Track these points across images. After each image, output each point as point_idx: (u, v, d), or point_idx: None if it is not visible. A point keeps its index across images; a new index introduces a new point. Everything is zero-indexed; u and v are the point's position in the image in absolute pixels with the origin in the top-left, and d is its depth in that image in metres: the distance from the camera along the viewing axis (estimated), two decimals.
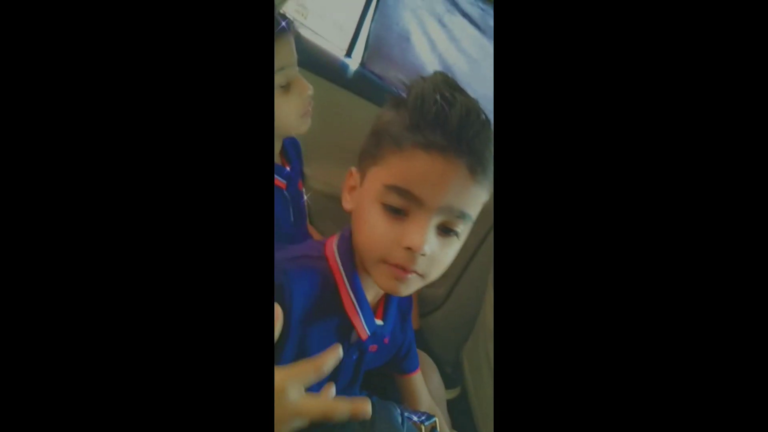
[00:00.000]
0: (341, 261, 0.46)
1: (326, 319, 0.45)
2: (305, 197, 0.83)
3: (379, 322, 0.49)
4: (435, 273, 0.42)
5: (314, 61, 0.98)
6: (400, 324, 0.56)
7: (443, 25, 1.09)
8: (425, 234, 0.38)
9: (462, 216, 0.39)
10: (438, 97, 0.37)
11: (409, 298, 0.56)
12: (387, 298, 0.51)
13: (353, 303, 0.46)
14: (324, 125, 0.79)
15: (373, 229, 0.40)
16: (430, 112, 0.37)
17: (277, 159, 0.72)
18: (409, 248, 0.38)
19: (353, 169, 0.46)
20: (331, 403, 0.35)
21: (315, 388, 0.35)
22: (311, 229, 0.89)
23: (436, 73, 0.41)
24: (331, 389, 0.37)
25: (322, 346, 0.37)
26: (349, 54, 1.14)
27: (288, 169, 0.74)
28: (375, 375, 0.56)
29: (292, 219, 0.74)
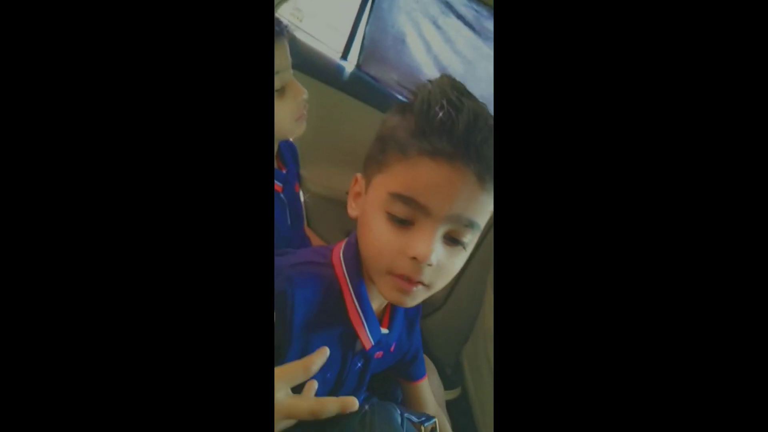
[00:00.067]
0: (347, 269, 0.45)
1: (330, 327, 0.45)
2: (302, 200, 0.83)
3: (384, 330, 0.48)
4: (441, 283, 0.41)
5: (310, 64, 0.99)
6: (406, 331, 0.56)
7: (438, 26, 1.10)
8: (431, 244, 0.37)
9: (470, 225, 0.38)
10: (445, 101, 0.36)
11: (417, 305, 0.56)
12: (393, 306, 0.50)
13: (358, 312, 0.45)
14: (320, 128, 0.79)
15: (378, 238, 0.39)
16: (436, 117, 0.36)
17: None
18: (414, 258, 0.37)
19: (358, 175, 0.45)
20: (318, 401, 0.34)
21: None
22: (309, 232, 0.89)
23: (442, 76, 0.39)
24: (313, 387, 0.37)
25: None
26: (344, 56, 1.14)
27: (284, 171, 0.74)
28: (375, 377, 0.55)
29: (289, 222, 0.74)
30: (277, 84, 0.60)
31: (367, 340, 0.46)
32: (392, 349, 0.53)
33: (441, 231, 0.38)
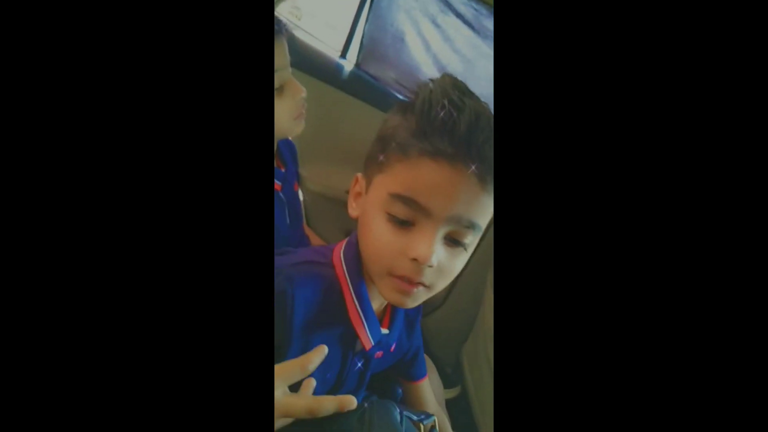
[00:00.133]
0: (347, 269, 0.45)
1: (330, 327, 0.44)
2: (301, 199, 0.82)
3: (384, 331, 0.48)
4: (442, 284, 0.41)
5: (309, 63, 0.98)
6: (406, 331, 0.55)
7: (437, 25, 1.10)
8: (432, 245, 0.36)
9: (471, 226, 0.38)
10: (446, 101, 0.35)
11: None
12: (393, 306, 0.50)
13: (358, 313, 0.45)
14: (320, 126, 0.79)
15: (379, 238, 0.39)
16: (437, 117, 0.35)
17: None
18: (415, 260, 0.37)
19: (359, 175, 0.44)
20: (315, 400, 0.34)
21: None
22: (308, 231, 0.89)
23: (444, 75, 0.39)
24: (310, 386, 0.36)
25: (326, 355, 0.37)
26: (343, 55, 1.14)
27: (283, 170, 0.74)
28: (375, 376, 0.55)
29: (288, 221, 0.74)
30: (275, 82, 0.60)
31: (368, 340, 0.46)
32: (392, 349, 0.52)
33: (442, 232, 0.37)
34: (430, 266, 0.37)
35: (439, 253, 0.38)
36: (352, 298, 0.44)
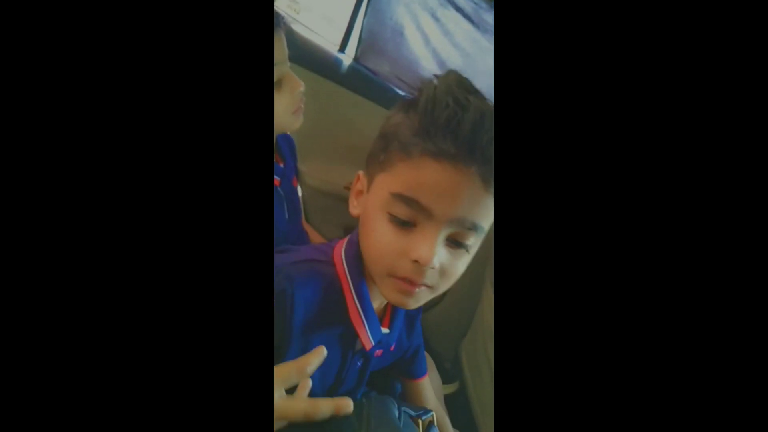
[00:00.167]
0: (348, 268, 0.44)
1: (330, 327, 0.44)
2: (300, 194, 0.82)
3: (385, 330, 0.48)
4: (444, 286, 0.40)
5: (308, 57, 0.98)
6: (406, 330, 0.55)
7: (437, 19, 1.09)
8: (434, 246, 0.36)
9: (473, 228, 0.37)
10: (450, 100, 0.34)
11: None
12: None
13: (359, 312, 0.44)
14: (318, 121, 0.79)
15: (380, 239, 0.38)
16: (441, 117, 0.34)
17: None
18: (416, 261, 0.36)
19: (361, 173, 0.44)
20: (312, 403, 0.34)
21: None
22: (306, 226, 0.89)
23: (449, 72, 0.38)
24: (306, 387, 0.36)
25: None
26: (342, 49, 1.13)
27: (282, 165, 0.73)
28: (374, 372, 0.56)
29: (286, 216, 0.73)
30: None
31: (368, 340, 0.46)
32: (392, 348, 0.52)
33: (444, 234, 0.37)
34: (432, 268, 0.37)
35: (440, 254, 0.37)
36: (353, 298, 0.44)
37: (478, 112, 0.34)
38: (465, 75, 0.38)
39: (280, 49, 0.60)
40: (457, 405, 0.84)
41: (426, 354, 0.74)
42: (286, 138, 0.78)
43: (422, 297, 0.40)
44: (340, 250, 0.46)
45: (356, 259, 0.44)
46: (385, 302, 0.49)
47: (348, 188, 0.45)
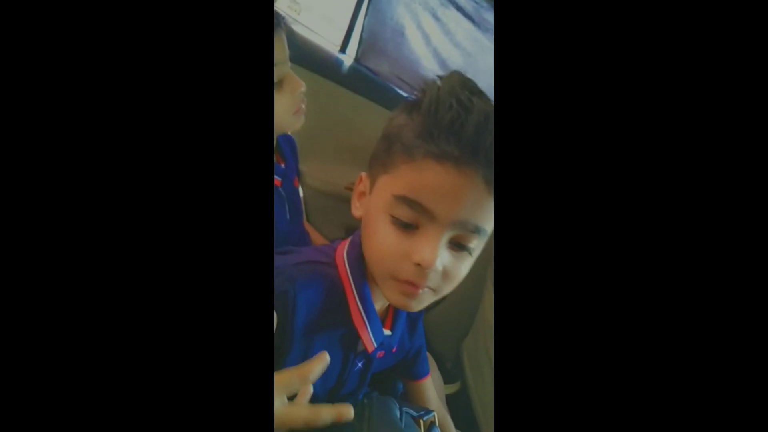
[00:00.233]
0: (350, 269, 0.44)
1: (332, 329, 0.44)
2: (301, 194, 0.82)
3: (387, 332, 0.48)
4: (447, 288, 0.40)
5: (308, 58, 0.98)
6: (408, 331, 0.55)
7: (437, 19, 1.09)
8: (436, 249, 0.36)
9: (476, 231, 0.37)
10: (454, 101, 0.34)
11: None
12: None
13: (361, 314, 0.44)
14: (319, 122, 0.79)
15: (382, 241, 0.38)
16: (444, 118, 0.34)
17: None
18: (418, 264, 0.36)
19: (363, 174, 0.43)
20: (313, 410, 0.34)
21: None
22: (308, 227, 0.89)
23: (452, 73, 0.37)
24: (307, 394, 0.36)
25: None
26: (343, 50, 1.13)
27: (283, 166, 0.73)
28: (375, 373, 0.56)
29: (288, 216, 0.73)
30: (274, 77, 0.59)
31: (370, 342, 0.45)
32: (394, 350, 0.52)
33: (446, 236, 0.37)
34: (434, 271, 0.36)
35: (443, 257, 0.37)
36: (355, 300, 0.44)
37: (481, 114, 0.34)
38: (466, 74, 0.38)
39: (281, 50, 0.60)
40: (458, 405, 0.84)
41: (428, 354, 0.74)
42: (287, 138, 0.78)
43: (425, 299, 0.40)
44: (342, 251, 0.45)
45: (358, 261, 0.44)
46: (387, 303, 0.48)
47: (349, 189, 0.45)
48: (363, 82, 1.09)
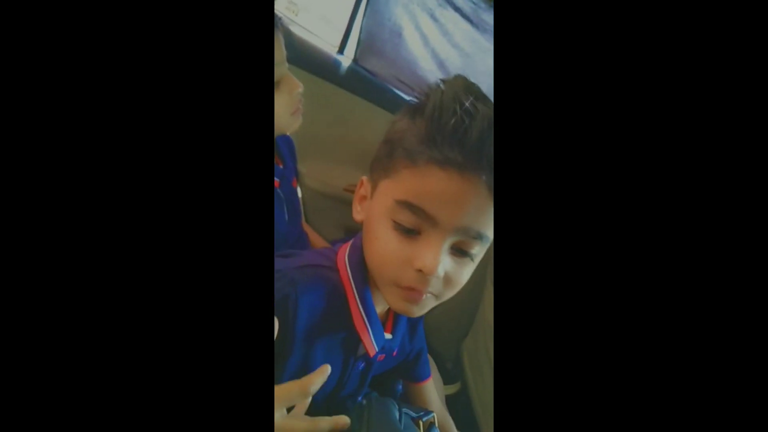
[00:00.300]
0: (352, 273, 0.44)
1: (333, 333, 0.44)
2: (299, 195, 0.82)
3: (388, 335, 0.48)
4: (448, 294, 0.40)
5: (306, 59, 0.98)
6: (408, 334, 0.55)
7: (435, 19, 1.09)
8: (438, 255, 0.35)
9: (479, 237, 0.37)
10: (457, 107, 0.34)
11: None
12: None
13: (363, 318, 0.44)
14: (318, 122, 0.79)
15: (384, 246, 0.38)
16: (448, 124, 0.34)
17: None
18: (420, 270, 0.36)
19: (364, 178, 0.43)
20: (312, 422, 0.34)
21: None
22: (306, 228, 0.89)
23: (456, 77, 0.37)
24: (305, 405, 0.36)
25: (327, 360, 0.36)
26: (341, 51, 1.13)
27: (281, 167, 0.73)
28: (375, 375, 0.55)
29: (286, 217, 0.73)
30: None
31: (372, 347, 0.45)
32: (395, 353, 0.52)
33: (448, 242, 0.36)
34: (436, 277, 0.36)
35: (445, 263, 0.37)
36: (357, 304, 0.44)
37: (485, 120, 0.34)
38: (464, 75, 0.37)
39: (278, 51, 0.60)
40: (458, 405, 0.84)
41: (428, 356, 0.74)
42: (286, 139, 0.78)
43: (426, 305, 0.40)
44: (344, 255, 0.45)
45: (360, 265, 0.44)
46: (388, 307, 0.48)
47: (348, 190, 0.45)
48: (361, 83, 1.09)
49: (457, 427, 0.62)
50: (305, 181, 1.00)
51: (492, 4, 1.02)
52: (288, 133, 0.72)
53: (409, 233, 0.36)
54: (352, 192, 0.45)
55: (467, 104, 0.34)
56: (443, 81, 0.37)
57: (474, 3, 1.04)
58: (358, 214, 0.43)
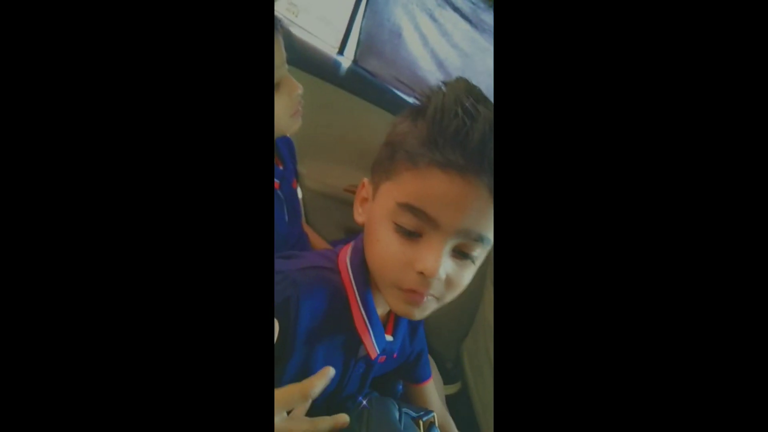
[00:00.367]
0: (353, 275, 0.44)
1: (334, 335, 0.44)
2: (300, 196, 0.82)
3: (389, 337, 0.48)
4: (450, 296, 0.40)
5: (306, 60, 0.98)
6: (409, 336, 0.55)
7: (435, 20, 1.09)
8: (439, 258, 0.35)
9: (480, 239, 0.37)
10: (459, 109, 0.34)
11: None
12: None
13: (364, 321, 0.44)
14: (317, 123, 0.79)
15: (385, 249, 0.38)
16: (449, 127, 0.34)
17: None
18: (421, 273, 0.36)
19: (366, 180, 0.43)
20: (312, 424, 0.34)
21: None
22: (306, 229, 0.89)
23: (458, 79, 0.37)
24: (305, 405, 0.36)
25: (328, 362, 0.37)
26: (341, 51, 1.13)
27: (281, 168, 0.73)
28: (375, 376, 0.55)
29: (286, 218, 0.73)
30: None
31: (373, 349, 0.45)
32: (395, 355, 0.52)
33: (450, 245, 0.36)
34: (438, 279, 0.36)
35: (446, 265, 0.37)
36: (359, 307, 0.44)
37: (487, 122, 0.34)
38: (464, 75, 0.37)
39: (278, 52, 0.60)
40: (458, 405, 0.84)
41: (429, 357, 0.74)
42: (286, 140, 0.78)
43: (428, 308, 0.40)
44: (345, 257, 0.45)
45: (361, 267, 0.43)
46: (389, 309, 0.48)
47: (348, 190, 0.45)
48: (361, 83, 1.09)
49: (457, 427, 0.61)
50: (305, 182, 1.00)
51: (491, 4, 1.02)
52: (288, 135, 0.72)
53: (411, 235, 0.36)
54: (352, 192, 0.45)
55: (469, 107, 0.34)
56: (445, 83, 0.37)
57: (473, 3, 1.04)
58: (359, 216, 0.43)
